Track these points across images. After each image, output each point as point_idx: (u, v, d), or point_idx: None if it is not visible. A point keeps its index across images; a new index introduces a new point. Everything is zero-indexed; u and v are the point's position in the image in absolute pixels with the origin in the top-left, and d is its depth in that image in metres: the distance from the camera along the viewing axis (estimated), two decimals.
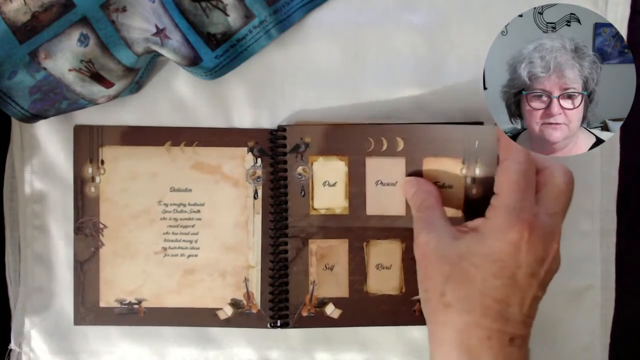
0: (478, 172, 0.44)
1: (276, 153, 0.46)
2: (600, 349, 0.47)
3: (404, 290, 0.46)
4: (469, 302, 0.36)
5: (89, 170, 0.46)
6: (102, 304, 0.47)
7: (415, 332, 0.48)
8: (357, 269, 0.46)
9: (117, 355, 0.48)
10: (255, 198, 0.47)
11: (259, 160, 0.46)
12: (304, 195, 0.45)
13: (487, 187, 0.43)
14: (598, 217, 0.47)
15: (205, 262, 0.47)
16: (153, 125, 0.47)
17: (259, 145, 0.46)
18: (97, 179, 0.47)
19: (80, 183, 0.46)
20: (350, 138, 0.45)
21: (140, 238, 0.47)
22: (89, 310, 0.47)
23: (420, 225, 0.40)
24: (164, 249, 0.47)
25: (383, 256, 0.46)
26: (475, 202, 0.44)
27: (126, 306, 0.47)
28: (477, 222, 0.38)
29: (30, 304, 0.47)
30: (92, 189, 0.47)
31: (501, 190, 0.37)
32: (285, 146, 0.45)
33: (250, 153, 0.46)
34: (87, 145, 0.46)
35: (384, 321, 0.46)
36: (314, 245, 0.46)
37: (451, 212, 0.44)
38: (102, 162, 0.46)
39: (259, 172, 0.46)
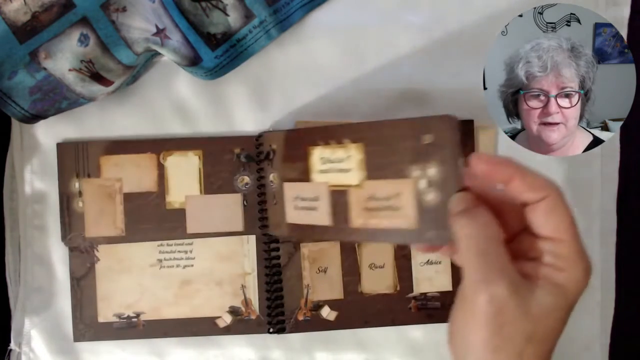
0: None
1: (257, 160, 0.46)
2: (600, 349, 0.47)
3: (398, 289, 0.46)
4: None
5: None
6: (100, 319, 0.47)
7: (415, 332, 0.47)
8: (351, 270, 0.46)
9: (117, 355, 0.48)
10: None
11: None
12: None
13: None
14: (598, 217, 0.47)
15: (201, 272, 0.47)
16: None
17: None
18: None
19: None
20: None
21: (135, 252, 0.47)
22: (88, 326, 0.47)
23: (484, 270, 0.31)
24: (159, 261, 0.47)
25: (375, 256, 0.46)
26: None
27: (125, 320, 0.47)
28: (546, 270, 0.32)
29: (30, 304, 0.47)
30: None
31: (565, 236, 0.32)
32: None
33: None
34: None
35: (381, 321, 0.46)
36: (306, 249, 0.46)
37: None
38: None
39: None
